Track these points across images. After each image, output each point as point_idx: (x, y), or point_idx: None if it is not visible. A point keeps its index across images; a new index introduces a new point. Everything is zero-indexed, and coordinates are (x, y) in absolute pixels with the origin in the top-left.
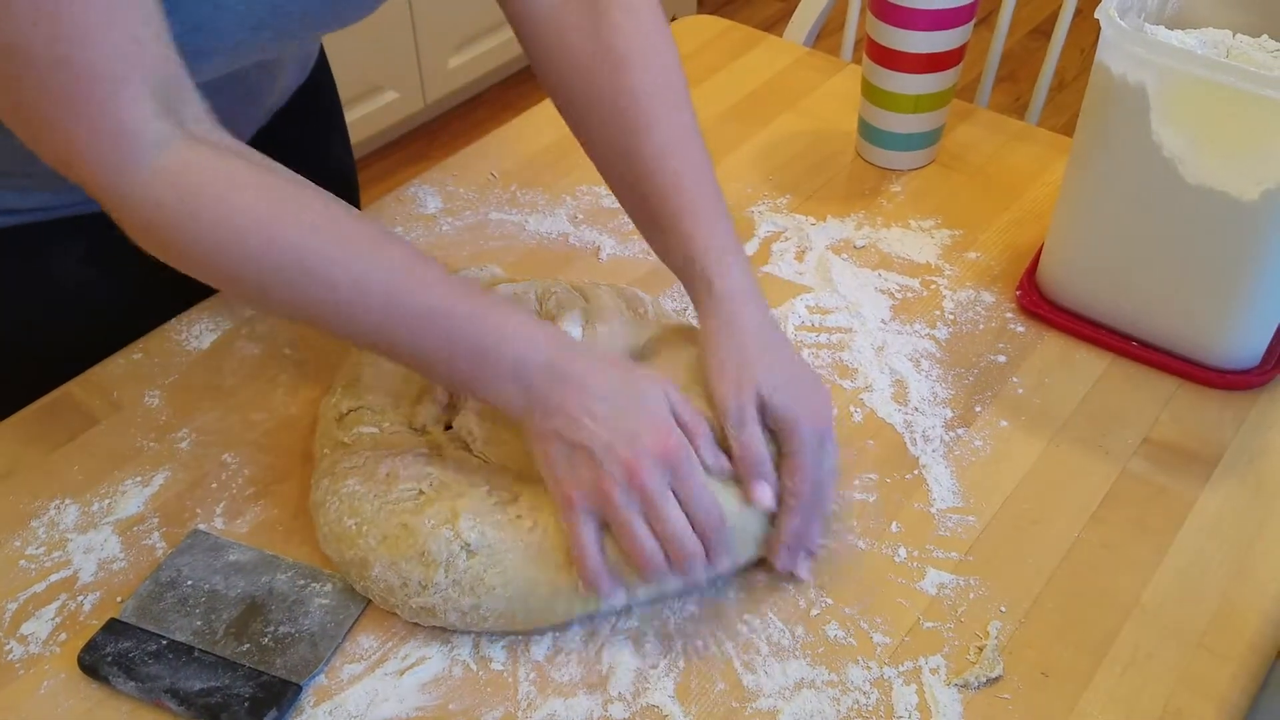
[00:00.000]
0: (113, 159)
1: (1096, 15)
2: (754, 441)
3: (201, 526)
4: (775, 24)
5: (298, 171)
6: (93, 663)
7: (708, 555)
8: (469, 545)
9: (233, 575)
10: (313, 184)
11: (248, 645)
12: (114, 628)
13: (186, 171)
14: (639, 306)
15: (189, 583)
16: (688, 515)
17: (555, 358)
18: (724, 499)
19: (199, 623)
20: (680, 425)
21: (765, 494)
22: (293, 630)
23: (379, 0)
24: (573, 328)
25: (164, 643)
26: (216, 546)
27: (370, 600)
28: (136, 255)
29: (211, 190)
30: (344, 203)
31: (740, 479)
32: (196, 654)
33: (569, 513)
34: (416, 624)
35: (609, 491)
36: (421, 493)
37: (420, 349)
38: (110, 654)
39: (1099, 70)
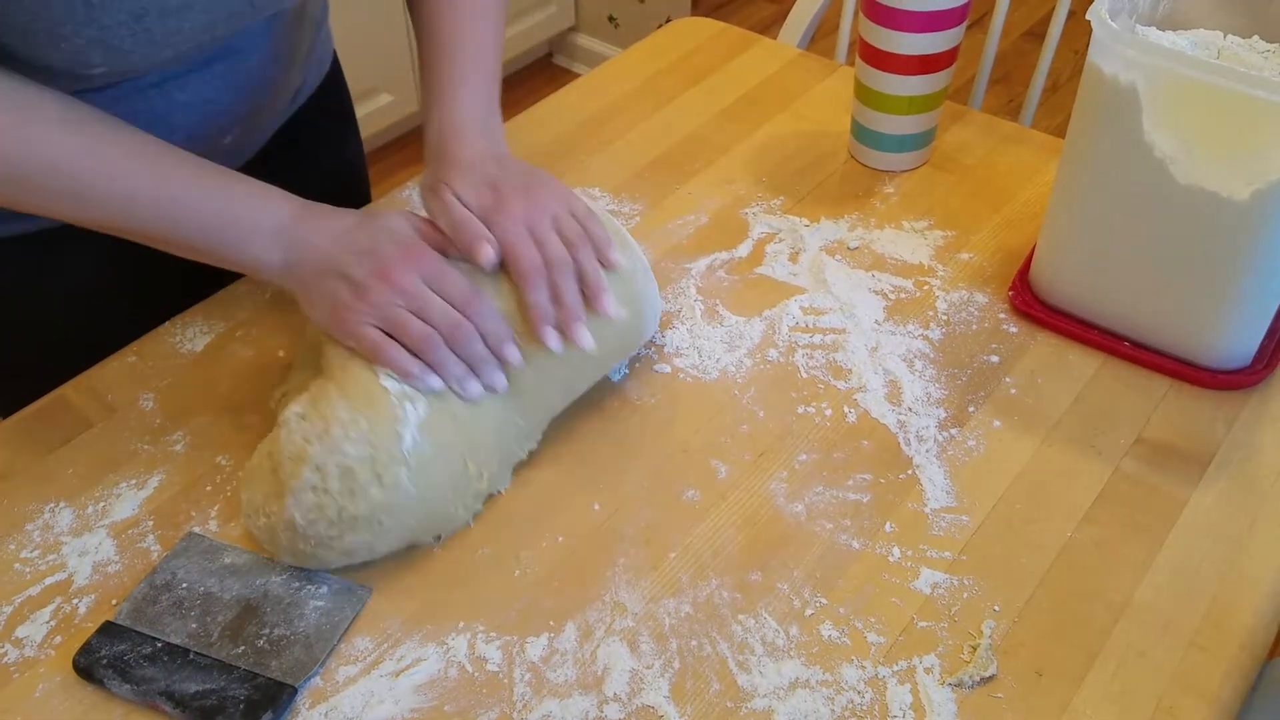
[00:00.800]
0: None
1: (1088, 17)
2: (452, 207)
3: (196, 529)
4: (769, 27)
5: (316, 172)
6: (88, 666)
7: (475, 325)
8: (303, 414)
9: (228, 578)
10: (67, 99)
11: (243, 648)
12: (109, 630)
13: None
14: None
15: (184, 585)
16: (446, 300)
17: (301, 212)
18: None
19: (194, 625)
20: (423, 232)
21: (486, 252)
22: (288, 633)
23: None
24: None
25: (159, 645)
26: (211, 549)
27: (363, 601)
28: (137, 258)
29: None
30: (102, 117)
31: (462, 251)
32: (192, 656)
33: (350, 331)
34: (413, 625)
35: (372, 298)
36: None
37: (172, 234)
38: (105, 657)
39: (1090, 71)
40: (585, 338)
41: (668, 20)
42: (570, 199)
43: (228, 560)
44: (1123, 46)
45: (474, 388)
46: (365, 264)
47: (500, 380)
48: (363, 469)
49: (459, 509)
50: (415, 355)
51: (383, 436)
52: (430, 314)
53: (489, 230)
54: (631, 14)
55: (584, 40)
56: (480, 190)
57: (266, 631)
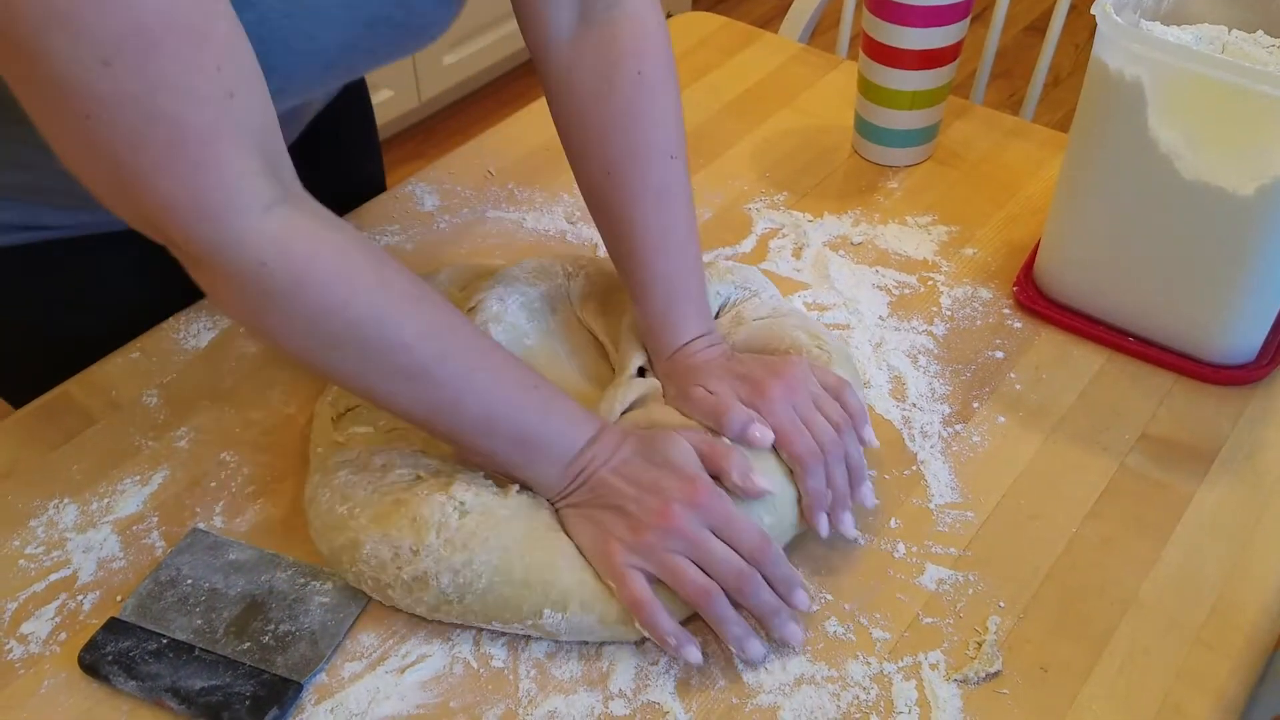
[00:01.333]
0: (217, 217)
1: (1093, 11)
2: (709, 399)
3: (200, 525)
4: (770, 20)
5: (333, 178)
6: (93, 662)
7: (763, 573)
8: (463, 504)
9: (233, 574)
10: (410, 273)
11: (248, 644)
12: (114, 627)
13: (297, 237)
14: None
15: (189, 581)
16: (734, 547)
17: (598, 436)
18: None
19: (199, 621)
20: (706, 457)
21: (762, 432)
22: (293, 629)
23: (440, 31)
24: (494, 303)
25: (164, 641)
26: (216, 545)
27: (368, 596)
28: (141, 254)
29: (324, 262)
30: (442, 299)
31: (734, 437)
32: (197, 653)
33: (614, 570)
34: (418, 621)
35: (647, 539)
36: (419, 477)
37: (478, 437)
38: (110, 653)
39: (1095, 66)
40: (851, 526)
41: (668, 16)
42: (819, 373)
43: (232, 556)
44: (1127, 41)
45: (756, 649)
46: (646, 501)
47: (795, 633)
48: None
49: None
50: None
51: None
52: (713, 563)
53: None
54: None
55: None
56: (734, 383)
57: (272, 628)
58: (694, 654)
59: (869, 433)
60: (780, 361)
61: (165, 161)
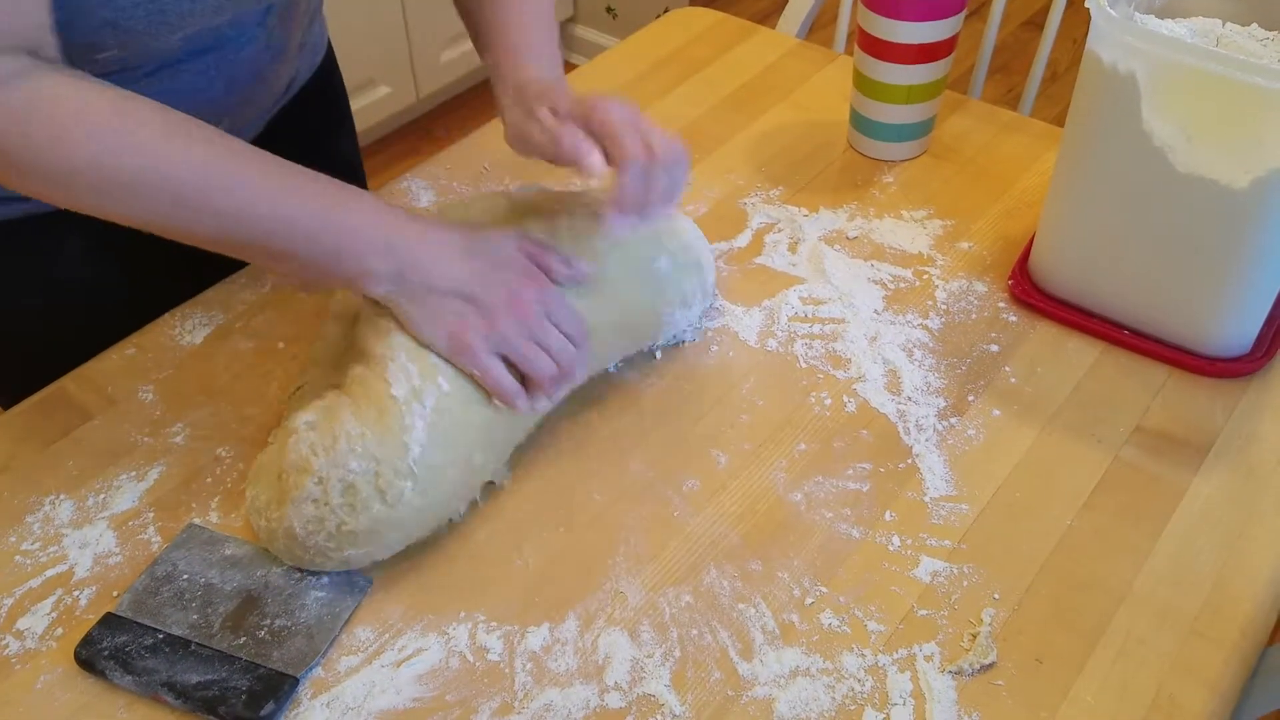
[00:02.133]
0: None
1: (1087, 4)
2: (549, 119)
3: (197, 521)
4: (768, 16)
5: (309, 163)
6: (89, 657)
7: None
8: (312, 424)
9: (229, 569)
10: (172, 112)
11: (244, 638)
12: (110, 622)
13: (33, 90)
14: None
15: (185, 577)
16: (562, 333)
17: (411, 229)
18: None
19: (195, 616)
20: (532, 256)
21: (594, 158)
22: (289, 623)
23: None
24: None
25: (160, 637)
26: (212, 540)
27: (364, 591)
28: (137, 250)
29: (57, 105)
30: (205, 126)
31: (571, 162)
32: (193, 648)
33: (470, 355)
34: (414, 615)
35: (500, 326)
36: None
37: (278, 241)
38: (106, 648)
39: (1089, 59)
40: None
41: (666, 11)
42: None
43: (228, 551)
44: (1122, 34)
45: (542, 402)
46: (494, 290)
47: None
48: (365, 485)
49: (461, 505)
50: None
51: (389, 450)
52: (551, 347)
53: (590, 128)
54: (630, 5)
55: (582, 31)
56: (572, 102)
57: (268, 622)
58: (526, 406)
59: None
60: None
61: None
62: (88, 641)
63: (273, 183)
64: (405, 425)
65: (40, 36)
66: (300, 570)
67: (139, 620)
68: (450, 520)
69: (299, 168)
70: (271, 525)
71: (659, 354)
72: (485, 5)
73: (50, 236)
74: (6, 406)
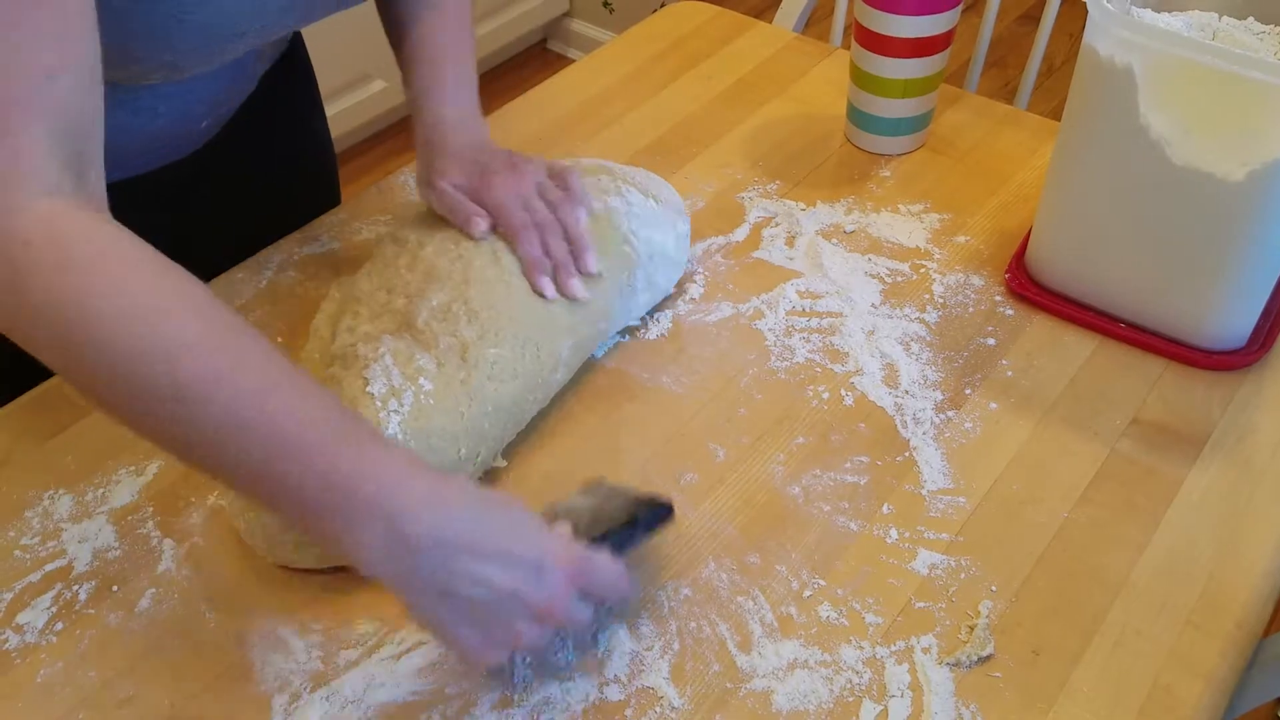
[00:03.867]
0: None
1: None
2: (445, 193)
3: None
4: (765, 10)
5: (282, 135)
6: None
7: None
8: None
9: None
10: (201, 288)
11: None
12: None
13: (72, 225)
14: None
15: None
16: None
17: (425, 499)
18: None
19: None
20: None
21: (478, 224)
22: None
23: None
24: None
25: None
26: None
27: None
28: (136, 227)
29: (92, 250)
30: (238, 321)
31: (460, 227)
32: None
33: (486, 667)
34: None
35: (529, 638)
36: None
37: (270, 481)
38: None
39: (1086, 53)
40: (578, 288)
41: (662, 5)
42: (550, 165)
43: None
44: (1118, 28)
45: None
46: (520, 599)
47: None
48: None
49: None
50: None
51: None
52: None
53: (481, 206)
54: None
55: (579, 26)
56: (470, 174)
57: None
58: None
59: (581, 213)
60: (520, 158)
61: None
62: None
63: (272, 425)
64: (379, 422)
65: (92, 132)
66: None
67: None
68: None
69: (324, 392)
70: (250, 526)
71: (649, 332)
72: (404, 40)
73: None
74: (2, 401)
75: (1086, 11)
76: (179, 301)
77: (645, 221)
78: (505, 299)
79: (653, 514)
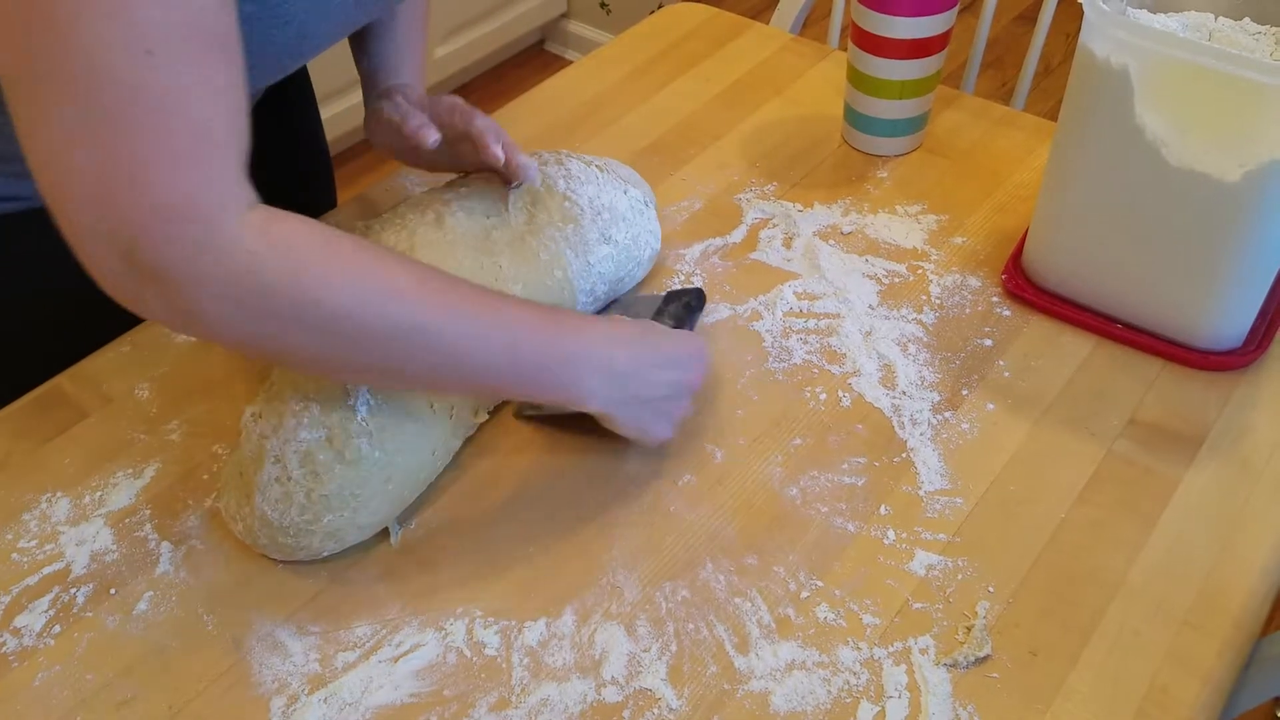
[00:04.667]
0: (210, 217)
1: None
2: (400, 104)
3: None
4: (761, 12)
5: (276, 140)
6: None
7: None
8: (257, 413)
9: None
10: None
11: None
12: None
13: (283, 229)
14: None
15: None
16: None
17: (621, 350)
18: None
19: None
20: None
21: (431, 134)
22: None
23: None
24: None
25: None
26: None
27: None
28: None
29: (314, 247)
30: (423, 263)
31: (412, 137)
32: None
33: (659, 442)
34: (411, 611)
35: (687, 411)
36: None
37: (507, 378)
38: None
39: (1082, 54)
40: (533, 170)
41: (659, 6)
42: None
43: None
44: (1114, 29)
45: None
46: (671, 402)
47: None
48: (321, 450)
49: (437, 454)
50: None
51: (337, 416)
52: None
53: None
54: (623, 0)
55: (576, 27)
56: (424, 99)
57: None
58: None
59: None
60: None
61: (171, 159)
62: None
63: (504, 326)
64: (348, 390)
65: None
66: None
67: None
68: (434, 469)
69: (510, 299)
70: (248, 523)
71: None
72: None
73: (44, 231)
74: (2, 404)
75: (1083, 12)
76: (395, 271)
77: (584, 181)
78: (449, 258)
79: (696, 297)
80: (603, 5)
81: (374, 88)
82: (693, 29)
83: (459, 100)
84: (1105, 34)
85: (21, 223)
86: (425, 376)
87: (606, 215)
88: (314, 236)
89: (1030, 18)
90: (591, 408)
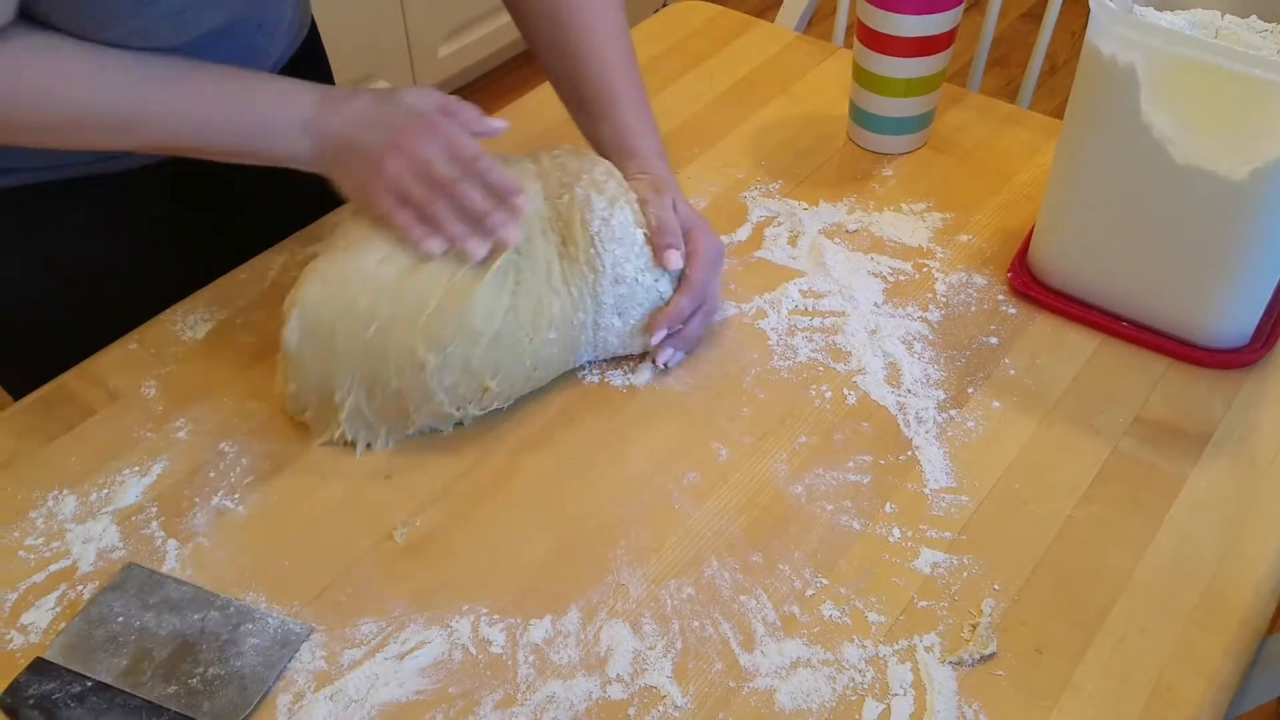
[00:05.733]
0: None
1: None
2: (669, 213)
3: (135, 563)
4: (766, 9)
5: None
6: (13, 705)
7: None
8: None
9: (166, 613)
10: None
11: (175, 687)
12: (39, 668)
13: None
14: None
15: (119, 620)
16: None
17: (323, 100)
18: (637, 262)
19: (126, 663)
20: (443, 108)
21: (675, 257)
22: (222, 672)
23: None
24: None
25: (89, 684)
26: (150, 582)
27: (303, 637)
28: (140, 220)
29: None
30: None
31: (655, 245)
32: (120, 698)
33: (369, 204)
34: (415, 608)
35: (388, 169)
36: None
37: (209, 144)
38: (33, 696)
39: (1089, 51)
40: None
41: (665, 4)
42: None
43: (167, 593)
44: (1120, 26)
45: (475, 246)
46: (380, 138)
47: (511, 233)
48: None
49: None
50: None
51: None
52: (433, 177)
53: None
54: None
55: None
56: (688, 222)
57: (200, 670)
58: (435, 245)
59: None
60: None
61: None
62: (13, 689)
63: (182, 86)
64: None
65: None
66: (239, 617)
67: (69, 666)
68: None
69: (208, 65)
70: (370, 403)
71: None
72: (576, 67)
73: (48, 208)
74: (15, 397)
75: (1088, 10)
76: (76, 62)
77: (619, 241)
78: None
79: None
80: None
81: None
82: (698, 27)
83: (696, 221)
84: (1112, 31)
85: (22, 195)
86: (123, 148)
87: (624, 290)
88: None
89: (1036, 15)
90: (306, 169)
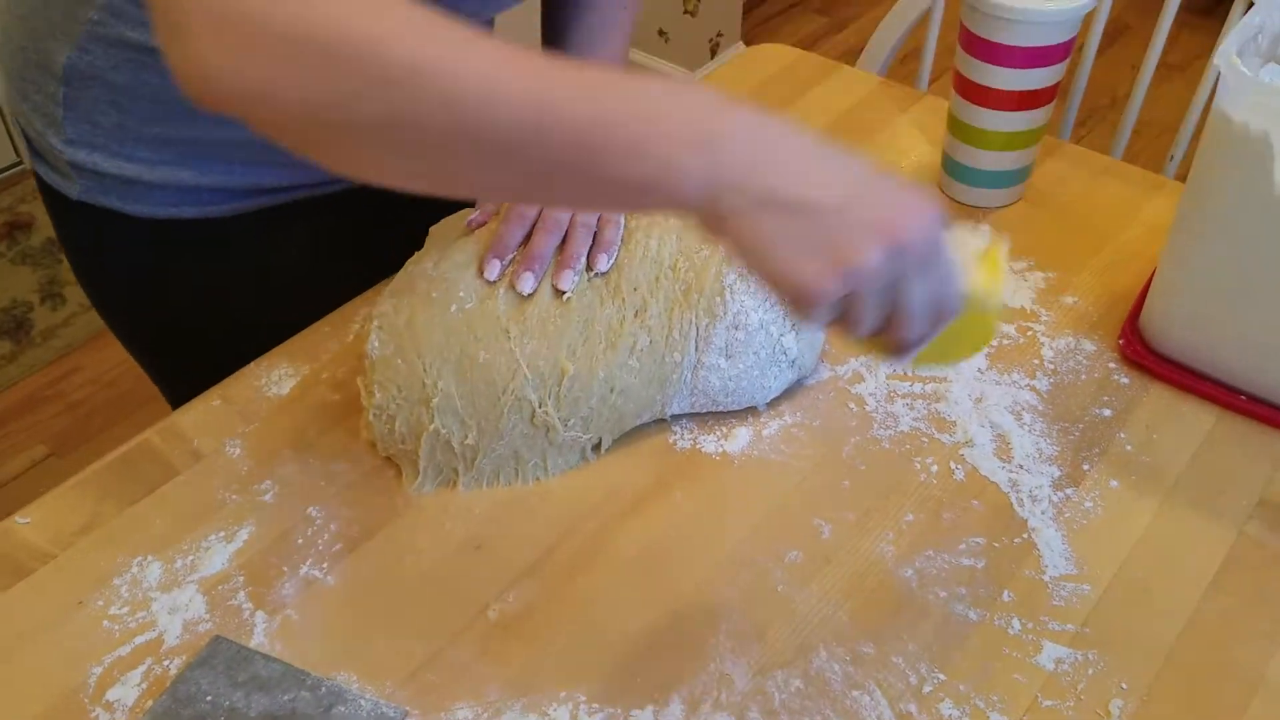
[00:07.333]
0: None
1: (1216, 61)
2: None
3: (222, 635)
4: (820, 39)
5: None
6: None
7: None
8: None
9: (255, 691)
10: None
11: None
12: None
13: None
14: None
15: (208, 699)
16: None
17: (743, 112)
18: (762, 314)
19: None
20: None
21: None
22: None
23: None
24: None
25: None
26: (239, 658)
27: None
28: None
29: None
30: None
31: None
32: None
33: (807, 307)
34: (512, 694)
35: (864, 259)
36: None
37: (548, 147)
38: None
39: (1217, 118)
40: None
41: (719, 35)
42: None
43: (256, 671)
44: (1253, 93)
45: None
46: (852, 221)
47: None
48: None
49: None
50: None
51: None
52: (912, 306)
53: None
54: (681, 29)
55: (635, 55)
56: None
57: None
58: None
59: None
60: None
61: None
62: None
63: (535, 75)
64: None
65: None
66: (330, 698)
67: None
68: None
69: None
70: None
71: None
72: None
73: (273, 232)
74: (175, 404)
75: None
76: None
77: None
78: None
79: None
80: (660, 33)
81: None
82: (775, 72)
83: None
84: (1243, 99)
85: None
86: (436, 140)
87: (740, 335)
88: None
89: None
90: (688, 198)
